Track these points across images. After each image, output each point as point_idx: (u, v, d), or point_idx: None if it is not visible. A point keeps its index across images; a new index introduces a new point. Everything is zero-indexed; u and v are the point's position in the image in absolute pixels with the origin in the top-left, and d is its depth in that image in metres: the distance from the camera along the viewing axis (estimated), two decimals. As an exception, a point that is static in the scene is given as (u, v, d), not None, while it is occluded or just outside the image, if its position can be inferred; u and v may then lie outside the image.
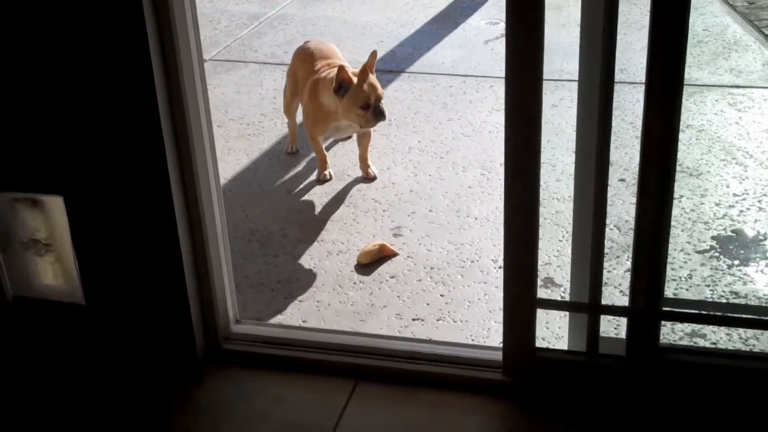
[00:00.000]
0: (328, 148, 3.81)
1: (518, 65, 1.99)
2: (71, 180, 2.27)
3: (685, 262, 2.94)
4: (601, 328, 2.23)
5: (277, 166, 3.80)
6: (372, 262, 3.04)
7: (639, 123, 2.02)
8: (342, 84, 3.40)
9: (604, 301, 2.19)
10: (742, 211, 3.24)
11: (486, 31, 5.47)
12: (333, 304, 2.83)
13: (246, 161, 3.84)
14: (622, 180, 3.46)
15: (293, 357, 2.44)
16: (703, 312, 2.27)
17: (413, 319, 2.74)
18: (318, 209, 3.44)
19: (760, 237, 3.08)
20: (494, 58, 4.95)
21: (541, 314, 2.31)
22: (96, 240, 2.33)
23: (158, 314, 2.39)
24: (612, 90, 1.99)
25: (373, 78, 3.42)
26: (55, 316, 2.46)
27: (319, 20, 5.79)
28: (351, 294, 2.88)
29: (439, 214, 3.35)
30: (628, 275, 2.36)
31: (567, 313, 2.44)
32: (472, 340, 2.63)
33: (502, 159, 2.13)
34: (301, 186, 3.62)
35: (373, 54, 3.45)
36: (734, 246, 3.02)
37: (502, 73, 2.03)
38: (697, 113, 4.06)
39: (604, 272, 2.20)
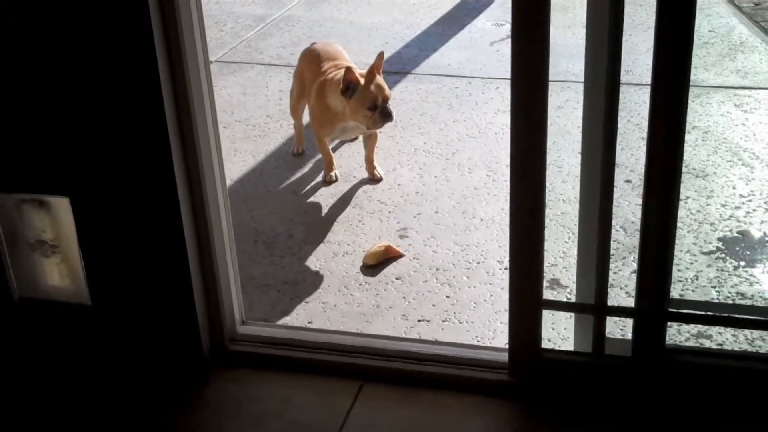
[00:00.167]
0: (334, 150, 3.81)
1: (524, 67, 1.98)
2: (77, 181, 2.27)
3: (691, 263, 2.93)
4: (607, 329, 2.23)
5: (283, 167, 3.80)
6: (378, 263, 3.04)
7: (645, 124, 2.02)
8: (349, 85, 3.40)
9: (609, 303, 2.19)
10: (748, 212, 3.23)
11: (492, 33, 5.46)
12: (339, 305, 2.83)
13: (252, 162, 3.84)
14: (628, 181, 3.45)
15: (299, 358, 2.44)
16: (709, 313, 2.26)
17: (419, 320, 2.74)
18: (324, 210, 3.44)
19: (767, 238, 3.07)
20: (500, 59, 4.95)
21: (546, 315, 2.31)
22: (102, 241, 2.33)
23: (164, 315, 2.39)
24: (618, 91, 1.99)
25: (380, 79, 3.42)
26: (61, 316, 2.46)
27: (325, 22, 5.79)
28: (357, 295, 2.88)
29: (445, 215, 3.35)
30: (634, 276, 2.36)
31: (573, 314, 2.43)
32: (478, 341, 2.63)
33: (507, 160, 2.12)
34: (307, 187, 3.62)
35: (380, 55, 3.45)
36: (740, 247, 3.02)
37: (508, 75, 2.03)
38: (703, 114, 4.06)
39: (610, 273, 2.20)
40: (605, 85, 1.98)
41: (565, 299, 2.78)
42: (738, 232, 3.10)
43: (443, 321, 2.73)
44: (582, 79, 2.09)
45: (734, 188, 3.40)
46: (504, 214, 3.26)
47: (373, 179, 3.63)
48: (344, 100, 3.42)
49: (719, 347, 2.53)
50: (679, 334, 2.59)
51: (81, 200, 2.29)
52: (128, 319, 2.42)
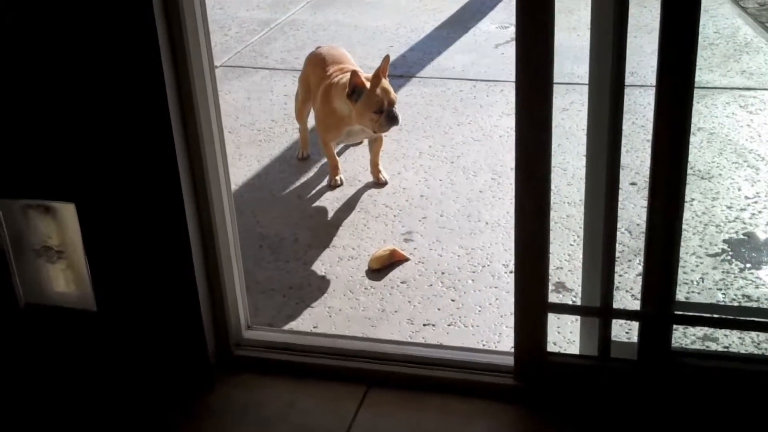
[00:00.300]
0: (339, 154, 3.81)
1: (528, 69, 1.98)
2: (83, 187, 2.27)
3: (697, 266, 2.93)
4: (613, 333, 2.23)
5: (288, 171, 3.80)
6: (383, 267, 3.03)
7: (650, 126, 2.01)
8: (355, 89, 3.39)
9: (615, 305, 2.18)
10: (754, 214, 3.22)
11: (496, 35, 5.46)
12: (344, 309, 2.83)
13: (257, 167, 3.84)
14: (633, 183, 3.44)
15: (304, 363, 2.44)
16: (715, 315, 2.25)
17: (424, 325, 2.74)
18: (329, 215, 3.44)
19: (773, 240, 3.07)
20: (504, 62, 4.95)
21: (552, 319, 2.30)
22: (108, 247, 2.33)
23: (170, 320, 2.39)
24: (622, 93, 1.98)
25: (386, 82, 3.42)
26: (66, 323, 2.46)
27: (330, 25, 5.79)
28: (362, 299, 2.88)
29: (450, 218, 3.35)
30: (639, 279, 2.35)
31: (578, 317, 2.43)
32: (484, 345, 2.63)
33: (512, 163, 2.12)
34: (312, 191, 3.62)
35: (386, 58, 3.45)
36: (746, 249, 3.01)
37: (513, 77, 2.03)
38: (708, 116, 4.05)
39: (616, 276, 2.20)
40: (610, 87, 1.98)
41: (570, 302, 2.78)
42: (744, 234, 3.10)
43: (449, 325, 2.73)
44: (587, 82, 2.08)
45: (740, 190, 3.40)
46: (509, 218, 3.26)
47: (378, 183, 3.63)
48: (350, 104, 3.42)
49: (725, 350, 2.52)
50: (685, 337, 2.59)
51: (86, 206, 2.29)
52: (134, 324, 2.42)
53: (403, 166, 3.78)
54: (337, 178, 3.64)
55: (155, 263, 2.32)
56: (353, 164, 3.82)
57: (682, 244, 2.15)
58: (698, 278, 2.86)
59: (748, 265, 2.92)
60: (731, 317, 2.28)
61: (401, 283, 2.96)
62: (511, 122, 2.98)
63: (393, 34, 5.56)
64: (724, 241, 3.06)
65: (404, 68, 4.92)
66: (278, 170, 3.81)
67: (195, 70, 2.16)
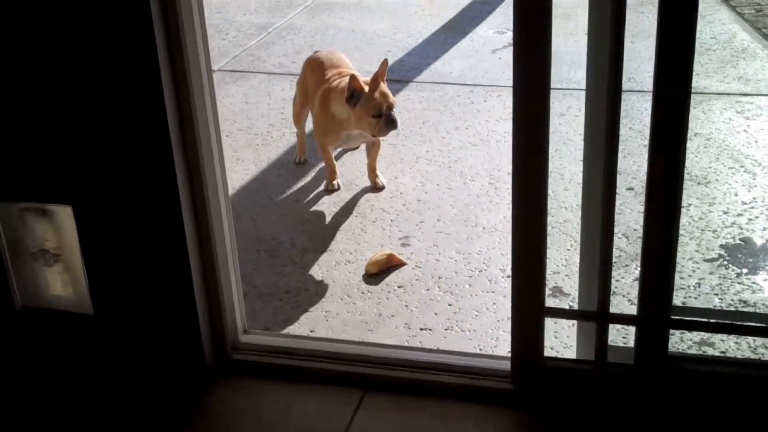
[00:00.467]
0: (336, 158, 3.81)
1: (526, 74, 1.98)
2: (80, 189, 2.27)
3: (694, 271, 2.93)
4: (610, 337, 2.23)
5: (285, 175, 3.80)
6: (380, 271, 3.03)
7: (647, 131, 2.01)
8: (354, 93, 3.39)
9: (612, 310, 2.18)
10: (750, 219, 3.23)
11: (494, 41, 5.47)
12: (341, 313, 2.83)
13: (254, 171, 3.84)
14: (630, 188, 3.45)
15: (301, 367, 2.44)
16: (711, 320, 2.26)
17: (421, 329, 2.74)
18: (326, 219, 3.44)
19: (769, 245, 3.07)
20: (502, 67, 4.95)
21: (549, 323, 2.30)
22: (105, 250, 2.33)
23: (167, 324, 2.39)
24: (620, 98, 1.99)
25: (384, 86, 3.42)
26: (63, 326, 2.46)
27: (328, 30, 5.80)
28: (359, 303, 2.88)
29: (447, 223, 3.35)
30: (636, 284, 2.35)
31: (575, 322, 2.43)
32: (481, 349, 2.63)
33: (509, 168, 2.12)
34: (310, 196, 3.62)
35: (384, 62, 3.45)
36: (743, 254, 3.01)
37: (510, 83, 2.03)
38: (705, 121, 4.06)
39: (613, 281, 2.20)
40: (607, 92, 1.98)
41: (567, 307, 2.78)
42: (740, 239, 3.10)
43: (445, 329, 2.73)
44: (584, 87, 2.09)
45: (736, 195, 3.40)
46: (506, 222, 3.26)
47: (376, 187, 3.63)
48: (349, 108, 3.42)
49: (722, 355, 2.52)
50: (681, 342, 2.59)
51: (84, 209, 2.29)
52: (131, 328, 2.42)
53: (401, 170, 3.78)
54: (335, 182, 3.65)
55: (152, 267, 2.32)
56: (350, 168, 3.82)
57: (679, 249, 2.15)
58: (695, 283, 2.87)
59: (745, 270, 2.92)
60: (728, 322, 2.28)
61: (398, 287, 2.96)
62: (508, 127, 2.99)
63: (391, 39, 5.57)
64: (721, 246, 3.06)
65: (402, 73, 4.93)
66: (276, 174, 3.81)
67: (192, 74, 2.16)
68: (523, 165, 2.07)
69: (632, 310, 2.56)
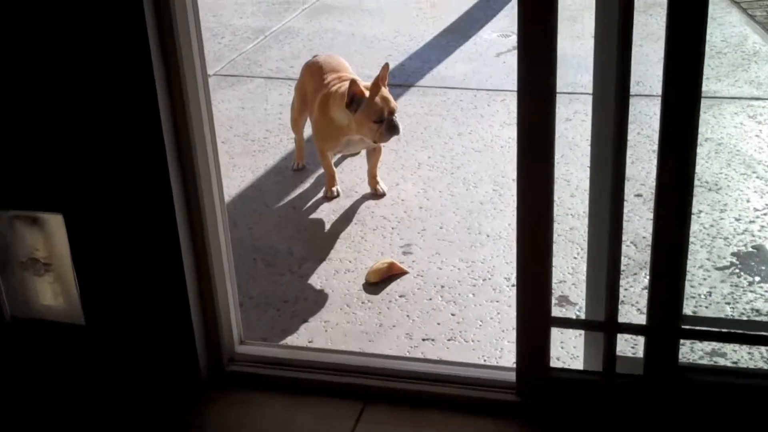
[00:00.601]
0: (335, 164, 3.81)
1: (531, 78, 1.99)
2: (71, 197, 2.27)
3: (705, 279, 2.93)
4: (618, 347, 2.23)
5: (282, 182, 3.80)
6: (381, 280, 3.04)
7: (656, 136, 2.02)
8: (354, 98, 3.40)
9: (620, 320, 2.18)
10: (763, 226, 3.23)
11: (497, 44, 5.48)
12: (340, 323, 2.83)
13: (251, 178, 3.85)
14: (638, 195, 3.45)
15: (299, 378, 2.44)
16: (723, 330, 2.26)
17: (423, 339, 2.74)
18: (325, 227, 3.44)
19: (782, 253, 3.07)
20: (506, 71, 4.96)
21: (555, 333, 2.30)
22: (97, 259, 2.34)
23: (161, 335, 2.39)
24: (628, 103, 1.99)
25: (385, 91, 3.43)
26: (54, 337, 2.46)
27: (326, 33, 5.81)
28: (359, 313, 2.88)
29: (450, 231, 3.35)
30: (645, 293, 2.36)
31: (582, 332, 2.43)
32: (485, 360, 2.63)
33: (514, 174, 2.13)
34: (308, 203, 3.63)
35: (385, 67, 3.46)
36: (755, 262, 3.01)
37: (514, 87, 2.03)
38: (715, 126, 4.06)
39: (621, 290, 2.20)
40: (615, 97, 1.98)
41: (574, 316, 2.78)
42: (753, 247, 3.10)
43: (448, 340, 2.73)
44: (591, 91, 2.09)
45: (748, 201, 3.40)
46: (511, 230, 3.26)
47: (376, 194, 3.63)
48: (349, 113, 3.43)
49: (734, 365, 2.53)
50: (692, 352, 2.59)
51: (75, 217, 2.30)
52: (123, 339, 2.42)
53: (402, 177, 3.79)
54: (334, 189, 3.65)
55: (146, 276, 2.32)
56: (350, 175, 3.82)
57: (690, 257, 2.16)
58: (706, 292, 2.87)
59: (757, 279, 2.93)
60: (740, 332, 2.28)
61: (399, 296, 2.96)
62: (512, 132, 2.99)
63: (391, 43, 5.58)
64: (733, 254, 3.06)
65: (403, 77, 4.94)
66: (273, 181, 3.82)
67: (188, 79, 2.16)
68: (528, 171, 2.07)
69: (641, 319, 2.56)
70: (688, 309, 2.73)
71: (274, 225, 3.45)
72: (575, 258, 3.09)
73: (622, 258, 2.17)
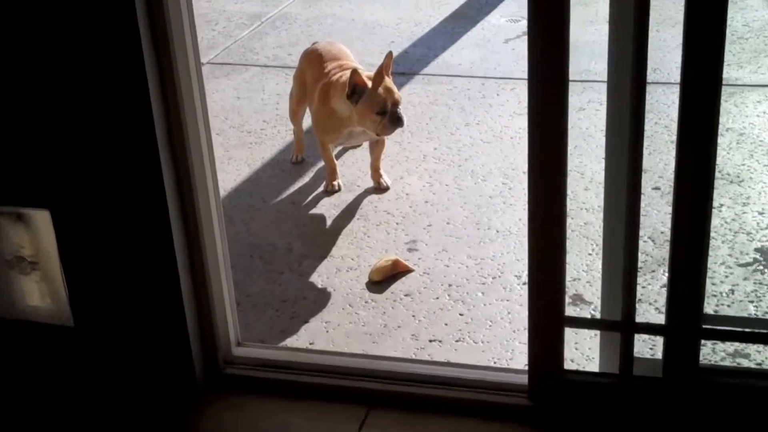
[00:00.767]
0: (337, 157, 3.81)
1: (542, 65, 1.99)
2: (59, 193, 2.28)
3: (727, 276, 2.93)
4: (636, 349, 2.23)
5: (281, 176, 3.81)
6: (385, 279, 3.04)
7: (674, 126, 2.02)
8: (356, 88, 3.40)
9: (638, 319, 2.19)
10: (787, 220, 3.23)
11: (506, 29, 5.48)
12: (343, 324, 2.84)
13: (247, 171, 3.85)
14: (656, 188, 3.45)
15: (299, 382, 2.45)
16: (746, 330, 2.26)
17: (430, 341, 2.74)
18: (326, 222, 3.44)
19: (808, 249, 3.07)
20: (516, 58, 4.96)
21: (569, 334, 2.31)
22: (85, 257, 2.34)
23: (153, 337, 2.39)
24: (644, 91, 1.99)
25: (389, 81, 3.43)
26: (41, 339, 2.46)
27: (325, 19, 5.81)
28: (362, 314, 2.89)
29: (458, 226, 3.35)
30: (664, 291, 2.36)
31: (598, 332, 2.43)
32: (495, 362, 2.63)
33: (524, 167, 2.13)
34: (308, 198, 3.63)
35: (389, 55, 3.46)
36: (779, 259, 3.02)
37: (525, 75, 2.03)
38: (737, 115, 4.06)
39: (638, 288, 2.20)
40: (630, 85, 1.98)
41: (589, 316, 2.78)
42: (777, 243, 3.11)
43: (456, 341, 2.73)
44: (605, 79, 2.09)
45: (772, 195, 3.41)
46: (522, 225, 3.26)
47: (380, 188, 3.63)
48: (351, 104, 3.42)
49: (758, 367, 2.53)
50: (714, 353, 2.59)
51: (62, 213, 2.30)
52: (114, 341, 2.42)
53: (406, 170, 3.79)
54: (335, 183, 3.65)
55: (137, 275, 2.33)
56: (352, 168, 3.82)
57: (711, 253, 2.16)
58: (728, 290, 2.87)
59: (782, 276, 2.93)
60: (764, 331, 2.28)
61: (405, 296, 2.96)
62: (523, 122, 2.99)
63: (394, 29, 5.58)
64: (756, 249, 3.06)
65: (407, 65, 4.94)
66: (270, 175, 3.82)
67: (180, 68, 2.17)
68: (540, 163, 2.08)
69: (660, 319, 2.56)
70: (709, 308, 2.74)
71: (272, 221, 3.46)
72: (590, 254, 3.10)
73: (640, 254, 2.17)
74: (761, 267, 2.97)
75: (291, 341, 2.76)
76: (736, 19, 5.20)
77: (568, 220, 2.15)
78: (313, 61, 3.75)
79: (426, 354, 2.68)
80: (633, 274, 2.13)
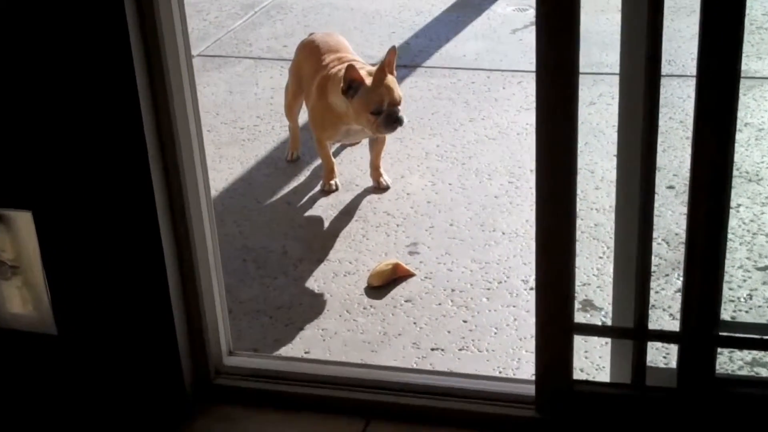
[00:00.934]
0: (335, 154, 3.81)
1: (550, 57, 1.99)
2: (41, 193, 2.27)
3: (745, 281, 2.93)
4: (649, 357, 2.23)
5: (275, 175, 3.81)
6: (384, 283, 3.04)
7: (689, 122, 2.02)
8: (351, 84, 3.39)
9: (651, 326, 2.19)
10: (809, 221, 3.23)
11: (513, 19, 5.48)
12: (340, 332, 2.84)
13: (240, 170, 3.85)
14: (670, 187, 3.45)
15: (294, 393, 2.44)
16: (765, 337, 2.25)
17: (432, 349, 2.74)
18: (323, 224, 3.45)
19: (831, 251, 3.07)
20: (523, 49, 4.96)
21: (579, 342, 2.31)
22: (69, 261, 2.34)
23: (141, 345, 2.39)
24: (658, 84, 1.99)
25: (391, 79, 3.41)
26: (22, 348, 2.46)
27: (323, 8, 5.81)
28: (361, 321, 2.89)
29: (461, 228, 3.35)
30: (678, 296, 2.36)
31: (609, 340, 2.43)
32: (500, 372, 2.63)
33: (532, 165, 2.13)
34: (304, 198, 3.63)
35: (392, 51, 3.44)
36: (801, 262, 3.02)
37: (532, 67, 2.03)
38: (756, 110, 4.06)
39: (651, 293, 2.20)
40: (644, 78, 1.98)
41: (599, 323, 2.78)
42: (798, 245, 3.11)
43: (460, 349, 2.73)
44: (617, 71, 2.09)
45: (793, 194, 3.41)
46: (529, 227, 3.26)
47: (379, 188, 3.63)
48: (346, 100, 3.42)
49: (778, 377, 2.53)
50: (731, 362, 2.59)
51: (45, 215, 2.30)
52: (100, 351, 2.42)
53: (408, 168, 3.79)
54: (332, 182, 3.65)
55: (124, 280, 2.33)
56: (350, 166, 3.83)
57: (728, 256, 2.16)
58: (746, 295, 2.87)
59: (803, 280, 2.93)
60: (784, 339, 2.28)
61: (405, 301, 2.96)
62: (530, 118, 2.99)
63: (395, 18, 5.58)
64: (776, 252, 3.07)
65: (408, 57, 4.94)
66: (264, 173, 3.82)
67: (169, 60, 2.16)
68: (548, 161, 2.07)
69: (674, 326, 2.56)
70: (726, 314, 2.74)
71: (266, 222, 3.46)
72: (601, 258, 3.10)
73: (653, 257, 2.17)
74: (782, 270, 2.98)
75: (285, 350, 2.76)
76: (754, 8, 5.20)
77: (578, 222, 2.15)
78: (310, 53, 3.75)
79: (428, 363, 2.68)
80: (646, 279, 2.13)
